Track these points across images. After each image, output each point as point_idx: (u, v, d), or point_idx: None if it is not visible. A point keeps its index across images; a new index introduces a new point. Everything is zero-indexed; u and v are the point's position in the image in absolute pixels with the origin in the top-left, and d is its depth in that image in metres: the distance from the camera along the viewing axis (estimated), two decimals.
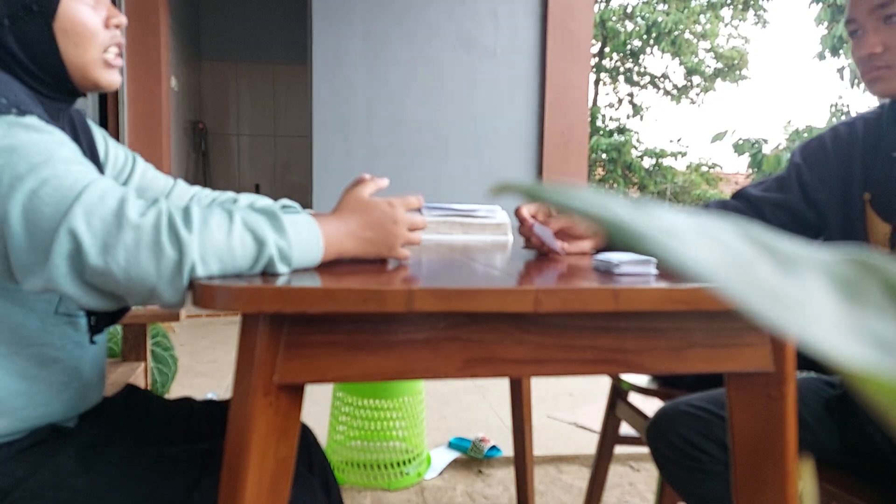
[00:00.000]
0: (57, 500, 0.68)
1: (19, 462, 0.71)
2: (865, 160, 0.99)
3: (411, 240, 0.78)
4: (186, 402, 0.96)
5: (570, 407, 2.46)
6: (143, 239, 0.60)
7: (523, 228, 0.96)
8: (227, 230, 0.63)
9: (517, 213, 0.95)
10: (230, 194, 1.01)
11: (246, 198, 0.99)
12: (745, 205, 1.06)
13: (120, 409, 0.87)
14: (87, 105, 3.31)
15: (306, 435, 0.91)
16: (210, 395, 2.26)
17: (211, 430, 0.90)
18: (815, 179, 1.03)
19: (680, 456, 0.97)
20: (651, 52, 11.78)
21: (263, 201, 0.97)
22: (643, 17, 11.11)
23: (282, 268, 0.66)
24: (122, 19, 0.79)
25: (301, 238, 0.67)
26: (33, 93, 0.75)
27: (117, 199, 0.62)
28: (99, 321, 0.81)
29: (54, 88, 0.77)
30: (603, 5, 11.12)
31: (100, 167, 0.87)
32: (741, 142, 8.36)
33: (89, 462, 0.73)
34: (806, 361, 1.16)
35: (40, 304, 0.74)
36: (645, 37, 11.23)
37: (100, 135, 0.91)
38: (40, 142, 0.64)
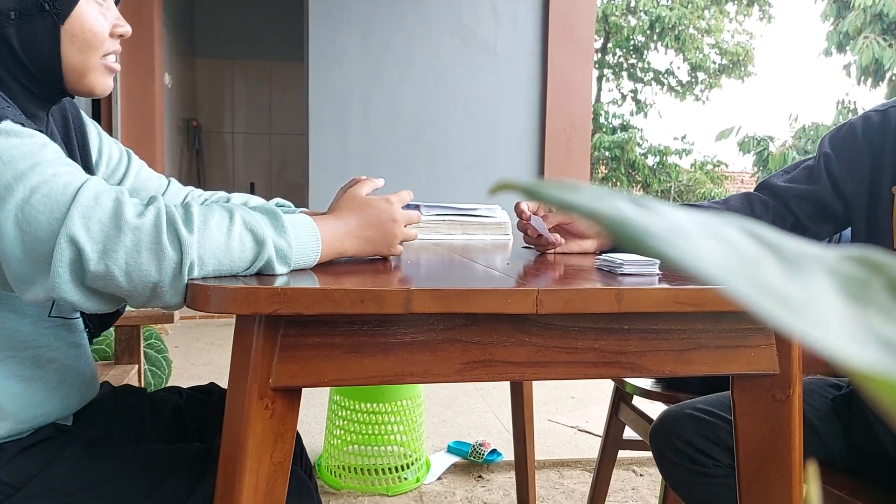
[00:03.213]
0: (67, 494, 0.69)
1: (27, 458, 0.71)
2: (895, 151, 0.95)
3: (408, 235, 0.78)
4: (174, 392, 0.95)
5: (573, 410, 2.44)
6: (143, 240, 0.59)
7: (522, 223, 0.96)
8: (227, 230, 0.63)
9: (516, 207, 0.95)
10: (222, 194, 1.00)
11: (238, 197, 0.98)
12: (770, 196, 1.03)
13: (111, 408, 0.87)
14: (79, 101, 3.30)
15: (297, 440, 0.90)
16: None
17: (203, 422, 0.90)
18: (843, 170, 0.99)
19: (684, 460, 0.96)
20: (655, 48, 11.73)
21: (255, 201, 0.96)
22: (647, 13, 11.07)
23: (279, 269, 0.65)
24: (128, 29, 0.78)
25: (300, 239, 0.67)
26: (16, 89, 0.73)
27: (112, 199, 0.61)
28: (103, 323, 0.81)
29: (44, 87, 0.75)
30: (606, 0, 11.09)
31: (90, 164, 0.86)
32: (747, 139, 8.34)
33: (94, 459, 0.73)
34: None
35: (33, 308, 0.73)
36: (648, 32, 11.18)
37: (94, 130, 0.89)
38: (22, 146, 0.62)
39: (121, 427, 0.84)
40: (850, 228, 1.04)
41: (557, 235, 0.95)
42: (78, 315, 0.79)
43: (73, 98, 0.81)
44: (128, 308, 0.71)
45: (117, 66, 0.78)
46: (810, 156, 1.06)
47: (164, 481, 0.72)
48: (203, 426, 0.90)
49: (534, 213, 0.94)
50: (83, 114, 0.88)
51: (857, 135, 0.99)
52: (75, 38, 0.72)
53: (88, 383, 0.81)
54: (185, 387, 0.98)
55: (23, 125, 0.65)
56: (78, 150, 0.84)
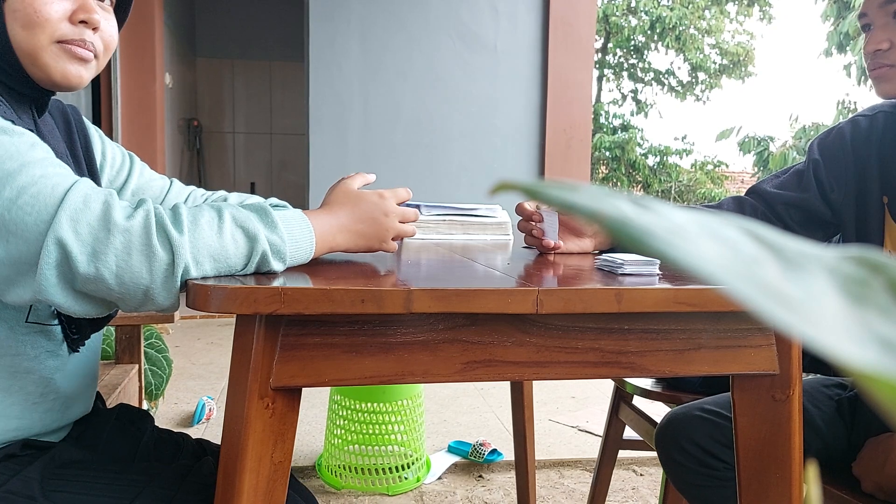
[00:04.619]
0: None
1: None
2: (882, 159, 0.95)
3: (403, 231, 0.77)
4: (181, 435, 0.89)
5: (573, 410, 2.44)
6: (133, 242, 0.59)
7: (523, 223, 0.95)
8: (218, 228, 0.62)
9: (518, 208, 0.94)
10: (221, 193, 0.99)
11: (236, 197, 0.98)
12: (759, 201, 1.03)
13: (108, 429, 0.84)
14: (79, 102, 3.30)
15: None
16: (206, 398, 2.25)
17: (202, 453, 0.85)
18: (831, 178, 0.99)
19: (693, 463, 0.94)
20: (655, 48, 11.74)
21: (252, 200, 0.96)
22: (647, 13, 11.08)
23: (276, 264, 0.65)
24: (93, 17, 0.71)
25: (293, 233, 0.66)
26: None
27: (101, 202, 0.60)
28: (81, 330, 0.77)
29: (12, 77, 0.72)
30: (606, 0, 11.09)
31: (95, 167, 0.85)
32: (747, 139, 8.32)
33: (56, 482, 0.69)
34: (811, 363, 1.14)
35: (9, 312, 0.70)
36: (649, 32, 11.19)
37: (96, 134, 0.89)
38: (10, 145, 0.61)
39: (109, 450, 0.80)
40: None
41: (552, 241, 0.93)
42: (56, 322, 0.75)
43: (53, 94, 0.77)
44: (126, 312, 0.70)
45: (84, 54, 0.72)
46: (803, 159, 1.06)
47: (135, 499, 0.69)
48: (201, 457, 0.84)
49: (545, 210, 0.92)
50: (85, 119, 0.88)
51: (846, 140, 0.99)
52: (17, 13, 0.68)
53: (73, 400, 0.77)
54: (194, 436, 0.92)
55: (13, 122, 0.64)
56: (82, 153, 0.83)
